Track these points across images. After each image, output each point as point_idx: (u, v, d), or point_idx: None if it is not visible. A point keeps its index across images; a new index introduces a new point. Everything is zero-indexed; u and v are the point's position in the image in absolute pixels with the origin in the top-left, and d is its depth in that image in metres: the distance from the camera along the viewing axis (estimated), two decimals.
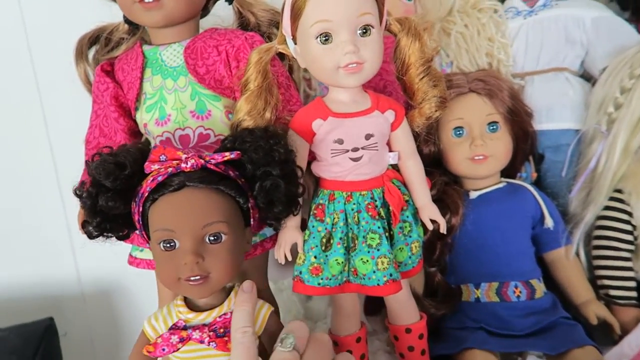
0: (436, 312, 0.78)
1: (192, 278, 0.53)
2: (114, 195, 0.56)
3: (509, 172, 0.84)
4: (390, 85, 0.81)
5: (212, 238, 0.54)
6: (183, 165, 0.55)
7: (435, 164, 0.81)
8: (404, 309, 0.71)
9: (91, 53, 0.80)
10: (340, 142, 0.65)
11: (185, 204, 0.54)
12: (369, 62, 0.62)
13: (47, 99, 1.10)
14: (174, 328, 0.57)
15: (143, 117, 0.72)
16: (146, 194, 0.56)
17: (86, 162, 0.57)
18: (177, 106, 0.70)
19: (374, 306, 0.91)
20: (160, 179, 0.55)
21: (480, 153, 0.78)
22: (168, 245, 0.54)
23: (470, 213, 0.79)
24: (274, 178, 0.57)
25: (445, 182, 0.81)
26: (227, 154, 0.56)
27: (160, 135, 0.71)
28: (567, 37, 0.86)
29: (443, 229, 0.71)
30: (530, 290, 0.76)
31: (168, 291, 0.73)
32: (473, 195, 0.81)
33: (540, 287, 0.78)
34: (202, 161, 0.55)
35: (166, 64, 0.71)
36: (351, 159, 0.65)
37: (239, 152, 0.57)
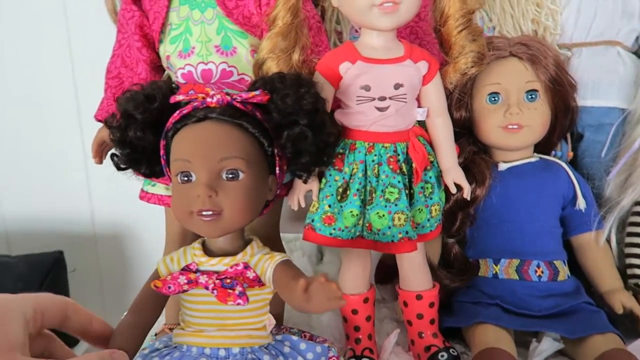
0: (450, 284, 0.74)
1: (204, 212, 0.51)
2: (143, 127, 0.55)
3: (543, 148, 0.79)
4: (426, 45, 0.77)
5: (229, 175, 0.52)
6: (209, 99, 0.53)
7: (465, 132, 0.77)
8: (417, 274, 0.68)
9: None
10: (367, 89, 0.61)
11: (204, 135, 0.53)
12: (405, 3, 0.58)
13: (75, 31, 1.09)
14: (186, 269, 0.55)
15: (166, 49, 0.70)
16: (170, 126, 0.55)
17: (117, 97, 0.58)
18: (202, 39, 0.67)
19: (385, 275, 0.88)
20: (185, 111, 0.54)
21: (515, 122, 0.73)
22: (185, 178, 0.53)
23: (498, 185, 0.74)
24: (302, 127, 0.55)
25: (474, 152, 0.76)
26: (254, 92, 0.54)
27: (182, 68, 0.68)
28: (624, 9, 0.79)
29: (467, 195, 0.67)
30: (552, 272, 0.72)
31: (176, 231, 0.72)
32: (502, 167, 0.76)
33: (564, 270, 0.73)
34: (229, 97, 0.54)
35: None
36: (377, 108, 0.62)
37: (266, 93, 0.55)
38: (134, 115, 0.55)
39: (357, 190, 0.62)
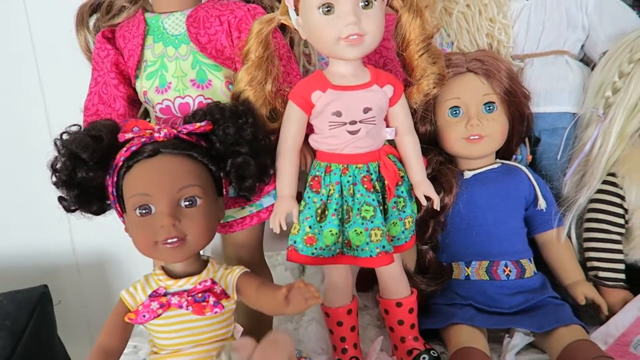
0: (426, 289, 0.79)
1: (169, 240, 0.56)
2: (92, 167, 0.58)
3: (504, 153, 0.85)
4: (390, 63, 0.82)
5: (187, 202, 0.57)
6: (156, 134, 0.58)
7: (431, 144, 0.82)
8: (396, 283, 0.72)
9: (92, 21, 0.80)
10: (339, 114, 0.65)
11: (160, 169, 0.57)
12: (370, 35, 0.62)
13: (45, 69, 1.09)
14: (154, 295, 0.59)
15: (143, 85, 0.72)
16: (120, 163, 0.58)
17: (58, 140, 0.60)
18: (177, 74, 0.70)
19: (366, 283, 0.92)
20: (134, 148, 0.57)
21: (476, 133, 0.78)
22: (144, 210, 0.56)
23: (464, 192, 0.80)
24: (244, 156, 0.60)
25: (441, 162, 0.81)
26: (198, 124, 0.59)
27: (160, 103, 0.71)
28: (569, 20, 0.86)
29: (437, 206, 0.71)
30: (520, 270, 0.77)
31: None
32: (467, 175, 0.81)
33: (530, 267, 0.79)
34: (175, 131, 0.58)
35: (168, 32, 0.71)
36: (349, 132, 0.66)
37: (210, 122, 0.60)
38: (81, 156, 0.57)
39: (335, 210, 0.66)
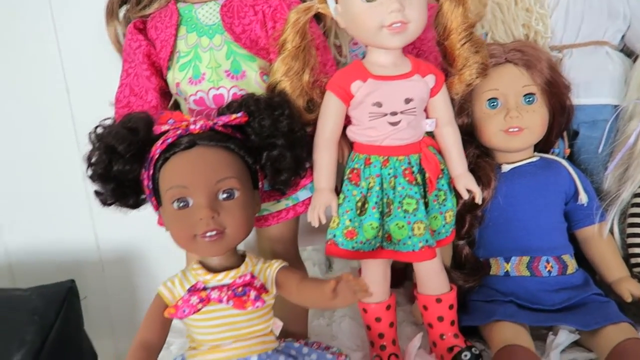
0: (464, 284, 0.76)
1: (208, 233, 0.54)
2: (128, 160, 0.57)
3: (542, 147, 0.82)
4: (423, 55, 0.79)
5: (225, 195, 0.56)
6: (192, 126, 0.57)
7: (467, 136, 0.79)
8: (436, 279, 0.71)
9: (122, 12, 0.78)
10: (379, 105, 0.63)
11: (198, 161, 0.56)
12: (413, 23, 0.60)
13: (69, 64, 1.08)
14: (193, 290, 0.58)
15: (175, 76, 0.71)
16: (157, 156, 0.57)
17: (92, 133, 0.59)
18: (212, 65, 0.69)
19: (396, 279, 0.90)
20: (170, 140, 0.56)
21: (515, 125, 0.76)
22: (182, 204, 0.55)
23: (502, 186, 0.77)
24: (280, 149, 0.59)
25: (478, 155, 0.79)
26: (234, 115, 0.58)
27: (193, 94, 0.70)
28: (609, 10, 0.83)
29: (478, 199, 0.69)
30: (562, 266, 0.75)
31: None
32: (505, 168, 0.79)
33: (572, 263, 0.76)
34: (211, 122, 0.57)
35: (202, 22, 0.70)
36: (389, 123, 0.64)
37: (245, 114, 0.58)
38: (117, 149, 0.56)
39: (376, 203, 0.64)
